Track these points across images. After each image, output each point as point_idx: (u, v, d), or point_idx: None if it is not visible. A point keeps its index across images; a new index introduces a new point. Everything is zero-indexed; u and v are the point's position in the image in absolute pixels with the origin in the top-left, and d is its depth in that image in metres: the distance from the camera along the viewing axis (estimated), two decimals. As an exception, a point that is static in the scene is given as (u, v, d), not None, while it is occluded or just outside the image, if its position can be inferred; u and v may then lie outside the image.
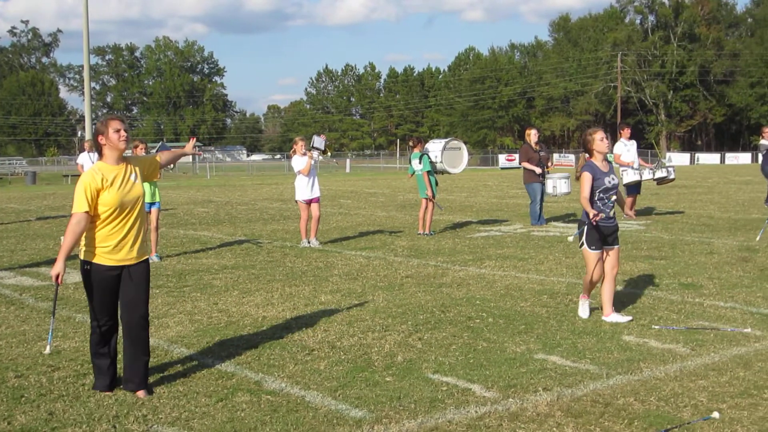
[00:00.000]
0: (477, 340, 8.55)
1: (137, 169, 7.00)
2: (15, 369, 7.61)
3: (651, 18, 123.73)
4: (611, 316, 9.35)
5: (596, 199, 9.28)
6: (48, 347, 7.11)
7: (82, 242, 6.84)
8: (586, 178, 9.23)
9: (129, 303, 6.83)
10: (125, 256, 6.82)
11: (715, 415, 6.15)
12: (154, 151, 16.03)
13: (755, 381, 7.03)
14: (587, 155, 9.47)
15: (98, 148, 6.81)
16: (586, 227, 9.27)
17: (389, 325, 9.26)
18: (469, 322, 9.39)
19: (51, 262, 14.63)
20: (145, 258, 7.01)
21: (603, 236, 9.30)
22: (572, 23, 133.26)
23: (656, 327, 9.03)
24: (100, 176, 6.69)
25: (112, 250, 6.76)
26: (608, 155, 9.68)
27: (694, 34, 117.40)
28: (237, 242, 17.30)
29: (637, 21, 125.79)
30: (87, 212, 6.61)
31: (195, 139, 8.29)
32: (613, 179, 9.36)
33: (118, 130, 6.75)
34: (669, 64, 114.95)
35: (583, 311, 9.52)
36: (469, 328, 9.09)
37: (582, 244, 9.32)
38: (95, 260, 6.77)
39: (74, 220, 6.63)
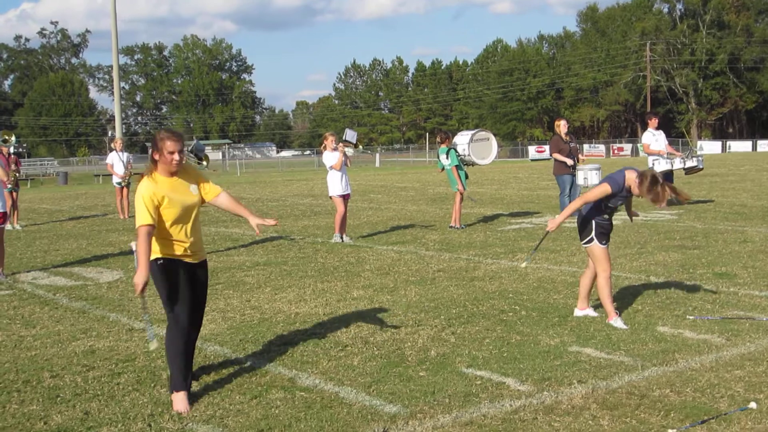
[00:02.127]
0: (510, 334, 8.51)
1: (196, 180, 6.96)
2: (50, 369, 7.66)
3: (679, 6, 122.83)
4: (586, 310, 9.25)
5: (601, 210, 8.85)
6: (153, 342, 6.78)
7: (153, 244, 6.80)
8: (605, 189, 8.62)
9: (192, 302, 6.83)
10: (195, 256, 6.91)
11: (753, 405, 6.09)
12: (187, 149, 15.95)
13: (793, 371, 6.97)
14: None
15: (152, 159, 6.75)
16: (594, 222, 8.90)
17: (422, 320, 9.25)
18: (502, 316, 9.36)
19: (83, 262, 14.77)
20: (204, 259, 7.06)
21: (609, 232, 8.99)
22: (600, 13, 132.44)
23: (691, 317, 8.96)
24: (155, 189, 6.63)
25: (183, 251, 6.78)
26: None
27: (723, 21, 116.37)
28: (269, 239, 17.33)
29: (665, 9, 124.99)
30: (151, 225, 6.54)
31: (273, 222, 7.41)
32: (619, 200, 8.80)
33: (171, 153, 6.64)
34: (698, 52, 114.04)
35: (619, 322, 8.80)
36: (502, 322, 9.06)
37: (591, 240, 8.88)
38: (166, 256, 6.74)
39: (141, 233, 6.50)
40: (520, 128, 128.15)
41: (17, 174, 22.25)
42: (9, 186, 20.96)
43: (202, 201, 7.01)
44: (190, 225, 6.80)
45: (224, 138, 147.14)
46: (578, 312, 9.22)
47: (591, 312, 9.18)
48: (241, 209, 7.24)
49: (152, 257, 6.71)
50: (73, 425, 6.16)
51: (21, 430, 6.10)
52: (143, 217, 6.51)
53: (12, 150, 19.01)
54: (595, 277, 9.08)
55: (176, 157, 6.67)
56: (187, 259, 6.81)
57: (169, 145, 6.65)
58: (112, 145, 24.29)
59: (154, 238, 6.68)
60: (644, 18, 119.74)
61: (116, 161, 24.32)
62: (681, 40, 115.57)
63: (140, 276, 6.39)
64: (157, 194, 6.59)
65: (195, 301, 6.88)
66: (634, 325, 8.68)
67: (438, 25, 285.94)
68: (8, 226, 20.87)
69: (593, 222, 8.86)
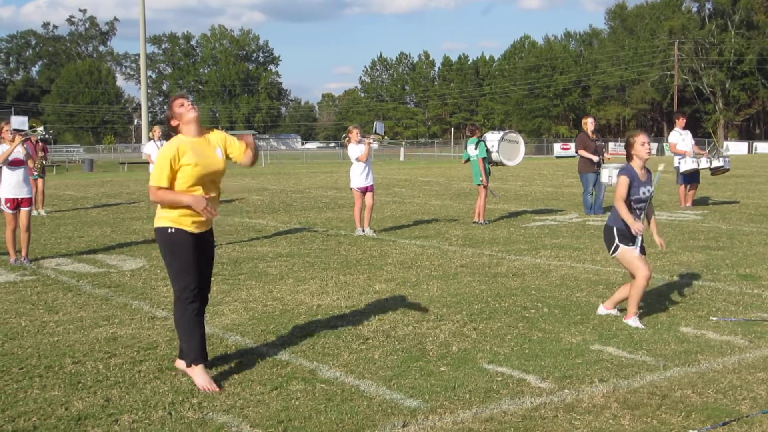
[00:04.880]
0: (532, 330, 8.49)
1: (222, 144, 6.99)
2: (72, 355, 7.69)
3: (708, 5, 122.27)
4: (610, 311, 9.17)
5: (631, 207, 8.77)
6: None
7: (160, 210, 6.84)
8: (623, 182, 8.71)
9: (200, 273, 6.88)
10: (205, 228, 6.94)
11: (775, 408, 6.06)
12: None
13: (817, 374, 6.91)
14: (627, 159, 9.01)
15: (175, 132, 6.84)
16: (615, 229, 8.78)
17: (444, 315, 9.23)
18: (524, 312, 9.33)
19: (108, 249, 14.85)
20: (211, 227, 7.09)
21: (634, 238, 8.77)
22: (628, 11, 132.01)
23: (714, 318, 8.90)
24: (177, 149, 6.66)
25: (194, 221, 6.79)
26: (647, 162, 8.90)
27: (752, 21, 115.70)
28: (292, 230, 17.36)
29: (694, 9, 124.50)
30: (165, 188, 6.61)
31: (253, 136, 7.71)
32: (649, 190, 8.87)
33: (182, 105, 6.78)
34: (727, 52, 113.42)
35: (636, 322, 8.70)
36: (524, 318, 9.04)
37: (616, 248, 8.75)
38: (178, 226, 6.74)
39: (154, 192, 6.63)
40: (545, 125, 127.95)
41: (44, 161, 22.24)
42: (36, 173, 21.07)
43: (237, 156, 7.03)
44: (211, 192, 6.83)
45: (250, 129, 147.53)
46: (602, 310, 9.17)
47: (614, 312, 9.14)
48: (248, 151, 7.14)
49: (162, 224, 6.77)
50: (94, 411, 6.18)
51: (42, 416, 6.12)
52: (158, 177, 6.59)
53: (39, 136, 19.05)
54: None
55: (187, 103, 6.82)
56: (200, 230, 6.84)
57: (177, 100, 6.84)
58: (150, 134, 24.13)
59: (168, 205, 6.73)
60: (673, 17, 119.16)
61: (154, 151, 24.17)
62: (709, 40, 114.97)
63: (197, 203, 6.59)
64: (182, 149, 6.65)
65: (204, 272, 6.95)
66: (657, 325, 8.64)
67: (466, 20, 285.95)
68: (33, 212, 20.96)
69: (614, 229, 8.82)
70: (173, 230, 6.71)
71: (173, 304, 6.93)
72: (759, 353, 7.55)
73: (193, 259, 6.74)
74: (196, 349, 6.79)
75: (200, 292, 6.90)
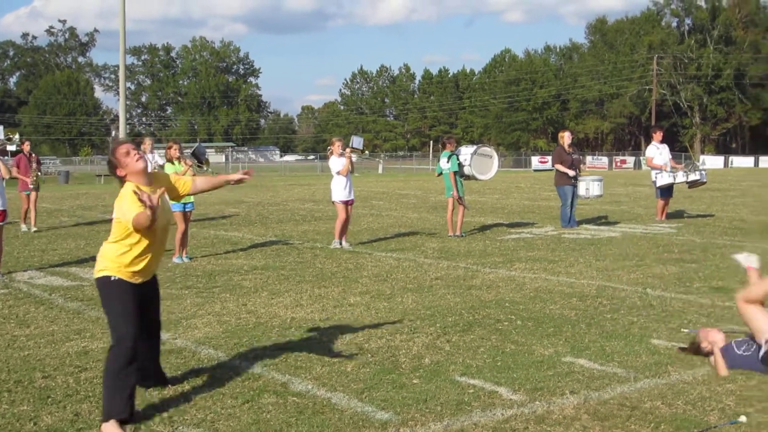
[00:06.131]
0: (505, 343, 8.51)
1: (168, 184, 6.71)
2: (42, 369, 7.65)
3: (687, 21, 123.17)
4: None
5: None
6: None
7: (102, 260, 6.48)
8: None
9: (141, 322, 6.50)
10: (146, 278, 6.60)
11: (742, 419, 6.08)
12: (188, 151, 15.98)
13: (785, 386, 6.95)
14: None
15: (121, 181, 6.43)
16: None
17: (418, 327, 9.23)
18: (497, 325, 9.35)
19: (81, 262, 14.82)
20: (154, 275, 6.81)
21: None
22: (609, 26, 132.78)
23: (686, 330, 8.94)
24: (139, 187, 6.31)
25: (138, 272, 6.44)
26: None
27: (731, 37, 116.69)
28: (268, 243, 17.33)
29: (674, 24, 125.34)
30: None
31: (249, 173, 7.19)
32: None
33: (128, 153, 6.38)
34: (705, 67, 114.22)
35: None
36: (497, 331, 9.05)
37: None
38: (119, 276, 6.39)
39: (136, 219, 6.07)
40: (524, 138, 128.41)
41: (39, 173, 21.79)
42: (31, 186, 20.88)
43: (179, 195, 6.82)
44: (157, 241, 6.50)
45: (228, 141, 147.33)
46: None
47: None
48: (220, 178, 7.14)
49: (104, 273, 6.42)
50: (63, 426, 6.15)
51: (10, 431, 6.09)
52: (134, 207, 6.10)
53: (13, 146, 18.75)
54: None
55: (133, 152, 6.41)
56: (141, 280, 6.50)
57: (121, 148, 6.44)
58: (143, 147, 23.63)
59: (110, 252, 6.41)
60: (652, 32, 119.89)
61: (148, 164, 23.86)
62: (688, 55, 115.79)
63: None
64: (143, 190, 6.26)
65: (151, 316, 6.75)
66: (629, 338, 8.67)
67: (449, 32, 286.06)
68: (23, 227, 20.80)
69: None
70: (114, 279, 6.35)
71: (109, 350, 6.46)
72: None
73: (132, 308, 6.35)
74: (119, 403, 6.14)
75: (147, 335, 6.67)
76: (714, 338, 6.50)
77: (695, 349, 6.57)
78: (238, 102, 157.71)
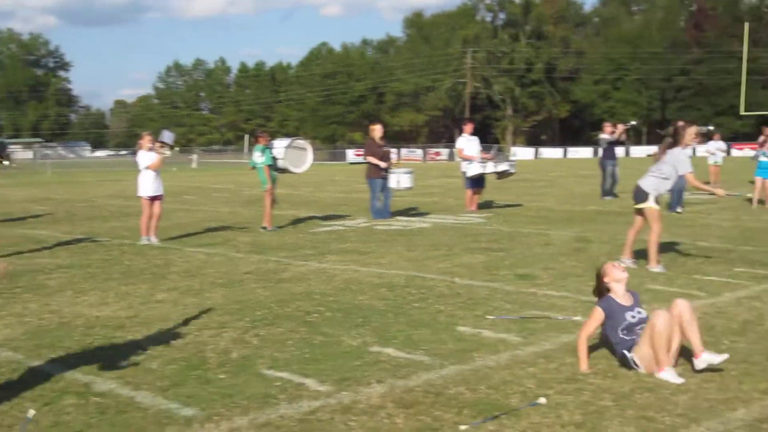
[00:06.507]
0: (314, 335, 8.52)
1: None
2: None
3: (501, 16, 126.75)
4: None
5: (621, 336, 7.28)
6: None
7: None
8: (596, 315, 7.41)
9: None
10: None
11: (542, 400, 6.29)
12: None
13: (582, 367, 7.21)
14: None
15: None
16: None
17: (226, 322, 9.16)
18: (306, 317, 9.36)
19: None
20: None
21: None
22: (425, 20, 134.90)
23: (490, 317, 9.17)
24: None
25: None
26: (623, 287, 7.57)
27: (542, 32, 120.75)
28: (74, 241, 16.83)
29: (488, 18, 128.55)
30: None
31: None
32: (639, 312, 7.40)
33: None
34: (517, 60, 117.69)
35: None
36: (306, 323, 9.07)
37: None
38: None
39: None
40: (340, 132, 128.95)
41: None
42: None
43: None
44: None
45: (36, 137, 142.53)
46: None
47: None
48: None
49: None
50: None
51: None
52: None
53: None
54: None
55: None
56: None
57: None
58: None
59: None
60: (468, 26, 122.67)
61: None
62: (501, 49, 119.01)
63: None
64: None
65: None
66: (435, 326, 8.83)
67: (266, 26, 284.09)
68: None
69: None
70: None
71: None
72: (531, 349, 7.81)
73: None
74: None
75: None
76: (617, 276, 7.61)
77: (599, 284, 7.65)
78: (47, 96, 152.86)
